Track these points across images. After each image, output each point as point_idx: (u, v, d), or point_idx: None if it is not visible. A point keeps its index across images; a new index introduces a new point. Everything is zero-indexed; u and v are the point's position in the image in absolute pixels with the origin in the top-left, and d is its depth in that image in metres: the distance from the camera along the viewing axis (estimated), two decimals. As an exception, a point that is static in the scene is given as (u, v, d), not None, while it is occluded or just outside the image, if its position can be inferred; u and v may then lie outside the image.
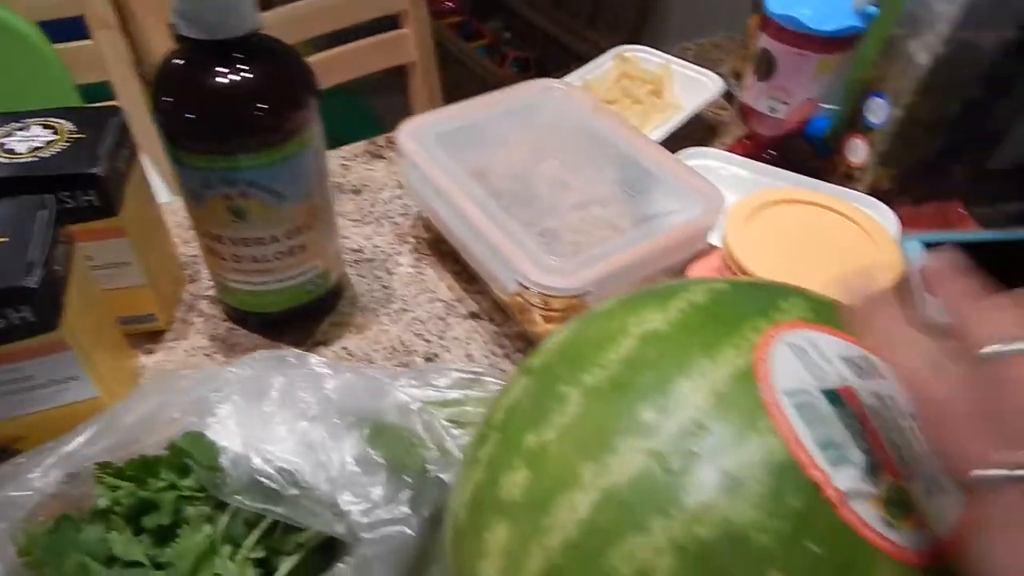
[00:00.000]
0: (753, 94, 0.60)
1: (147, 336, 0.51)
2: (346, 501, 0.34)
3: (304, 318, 0.52)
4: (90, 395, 0.40)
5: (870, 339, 0.22)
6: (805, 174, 0.61)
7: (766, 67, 0.57)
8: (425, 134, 0.54)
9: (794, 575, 0.19)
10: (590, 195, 0.55)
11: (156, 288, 0.49)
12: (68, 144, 0.42)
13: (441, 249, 0.58)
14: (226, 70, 0.39)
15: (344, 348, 0.51)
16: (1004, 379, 0.18)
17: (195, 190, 0.42)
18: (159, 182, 0.54)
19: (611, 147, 0.56)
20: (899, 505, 0.20)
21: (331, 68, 1.01)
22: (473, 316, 0.54)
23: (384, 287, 0.56)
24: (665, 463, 0.21)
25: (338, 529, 0.35)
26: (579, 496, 0.22)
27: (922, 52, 0.52)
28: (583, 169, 0.56)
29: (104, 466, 0.35)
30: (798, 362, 0.23)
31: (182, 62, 0.40)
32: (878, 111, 0.57)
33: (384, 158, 0.68)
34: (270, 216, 0.44)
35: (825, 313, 0.26)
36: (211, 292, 0.53)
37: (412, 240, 0.60)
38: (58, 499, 0.35)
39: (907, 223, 0.60)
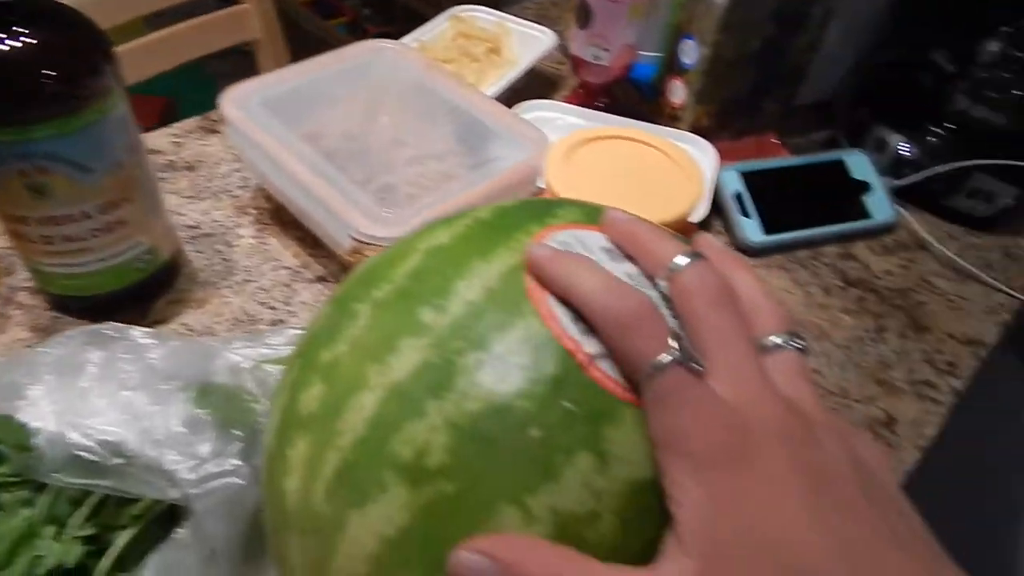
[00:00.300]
0: (577, 44, 0.63)
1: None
2: (172, 461, 0.33)
3: (136, 298, 0.50)
4: None
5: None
6: (635, 118, 0.64)
7: (584, 16, 0.60)
8: (250, 100, 0.53)
9: (551, 430, 0.21)
10: (426, 150, 0.55)
11: (-39, 281, 0.45)
12: None
13: (283, 218, 0.57)
14: (3, 35, 0.37)
15: (184, 324, 0.50)
16: (676, 292, 0.23)
17: (-16, 167, 0.40)
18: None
19: (445, 103, 0.57)
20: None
21: (172, 47, 0.96)
22: (320, 279, 0.54)
23: (225, 260, 0.55)
24: (439, 355, 0.23)
25: (172, 494, 0.34)
26: (366, 396, 0.23)
27: (718, -7, 0.56)
28: (418, 125, 0.57)
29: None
30: None
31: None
32: (690, 52, 0.61)
33: (219, 132, 0.66)
34: (77, 191, 0.42)
35: (595, 216, 0.28)
36: (30, 283, 0.50)
37: (253, 211, 0.59)
38: None
39: (726, 156, 0.65)
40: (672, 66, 0.64)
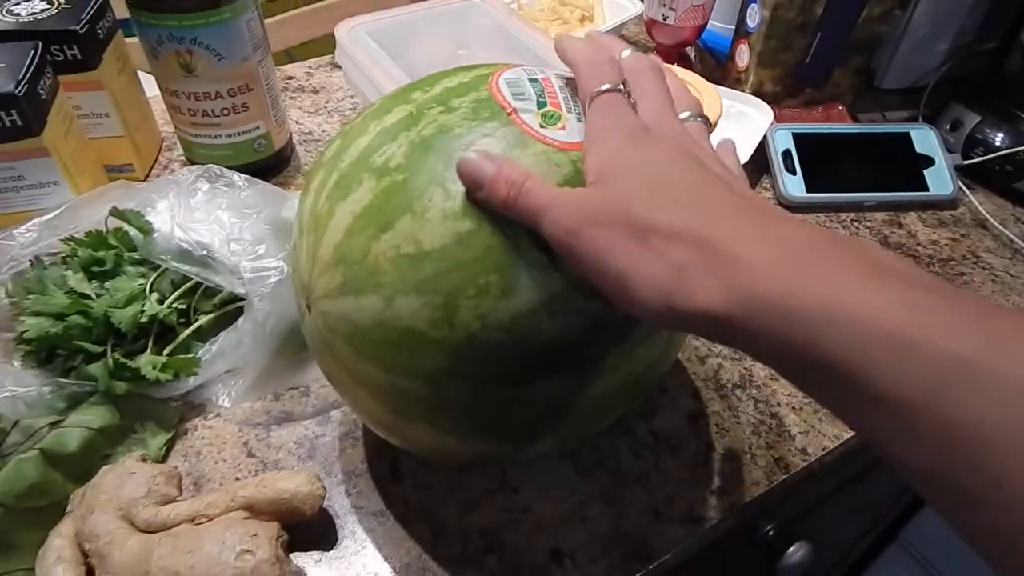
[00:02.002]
0: (648, 4, 0.69)
1: (127, 186, 0.62)
2: (239, 258, 0.44)
3: (252, 174, 0.62)
4: (69, 200, 0.52)
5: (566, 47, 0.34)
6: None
7: (655, -24, 0.66)
8: (359, 29, 0.65)
9: (476, 144, 0.30)
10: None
11: (133, 141, 0.60)
12: (58, 11, 0.54)
13: (377, 132, 0.69)
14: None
15: (283, 200, 0.62)
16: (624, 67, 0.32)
17: (152, 47, 0.53)
18: (147, 79, 0.65)
19: (522, 46, 0.66)
20: (551, 118, 0.32)
21: (316, 19, 1.12)
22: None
23: (325, 159, 0.67)
24: (416, 111, 0.33)
25: (239, 288, 0.46)
26: (363, 138, 0.33)
27: (779, -44, 0.61)
28: (495, 61, 0.66)
29: (69, 238, 0.47)
30: (522, 71, 0.34)
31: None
32: (753, 15, 0.65)
33: (341, 68, 0.79)
34: (214, 73, 0.55)
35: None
36: (183, 156, 0.65)
37: (355, 127, 0.71)
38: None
39: (791, 120, 0.68)
40: (739, 30, 0.69)
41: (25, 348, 0.43)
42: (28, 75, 0.48)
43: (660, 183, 0.26)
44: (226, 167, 0.60)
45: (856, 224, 0.64)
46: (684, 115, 0.31)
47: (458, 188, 0.30)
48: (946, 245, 0.62)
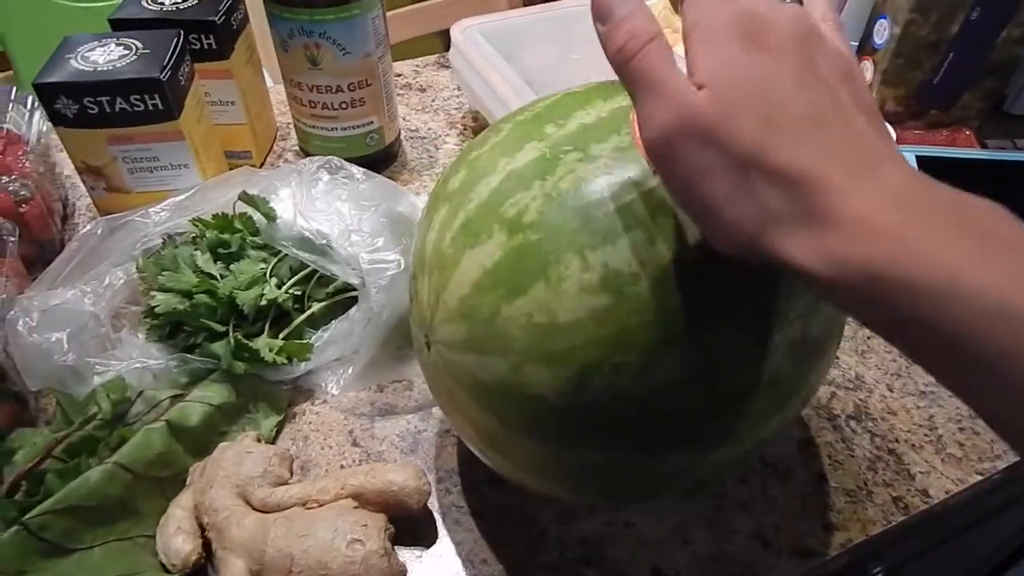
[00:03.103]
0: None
1: (243, 173, 0.65)
2: (357, 249, 0.45)
3: (364, 166, 0.64)
4: (196, 183, 0.54)
5: None
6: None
7: (779, -13, 0.64)
8: (474, 30, 0.65)
9: (619, 209, 0.29)
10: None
11: (253, 130, 0.63)
12: (198, 2, 0.56)
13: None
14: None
15: (390, 194, 0.63)
16: None
17: (283, 39, 0.55)
18: (264, 68, 0.68)
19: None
20: None
21: (427, 17, 1.14)
22: (498, 183, 0.64)
23: (430, 156, 0.68)
24: (551, 152, 0.31)
25: (354, 280, 0.47)
26: (493, 177, 0.32)
27: (917, -30, 0.58)
28: (606, 65, 0.65)
29: (198, 219, 0.49)
30: None
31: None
32: (881, 31, 0.63)
33: (448, 67, 0.80)
34: (337, 67, 0.56)
35: None
36: (296, 147, 0.67)
37: (460, 127, 0.71)
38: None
39: (915, 143, 0.65)
40: (863, 46, 0.66)
41: (151, 322, 0.45)
42: (171, 62, 0.50)
43: (773, 102, 0.24)
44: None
45: (981, 256, 0.60)
46: None
47: (597, 258, 0.28)
48: (1082, 285, 0.58)
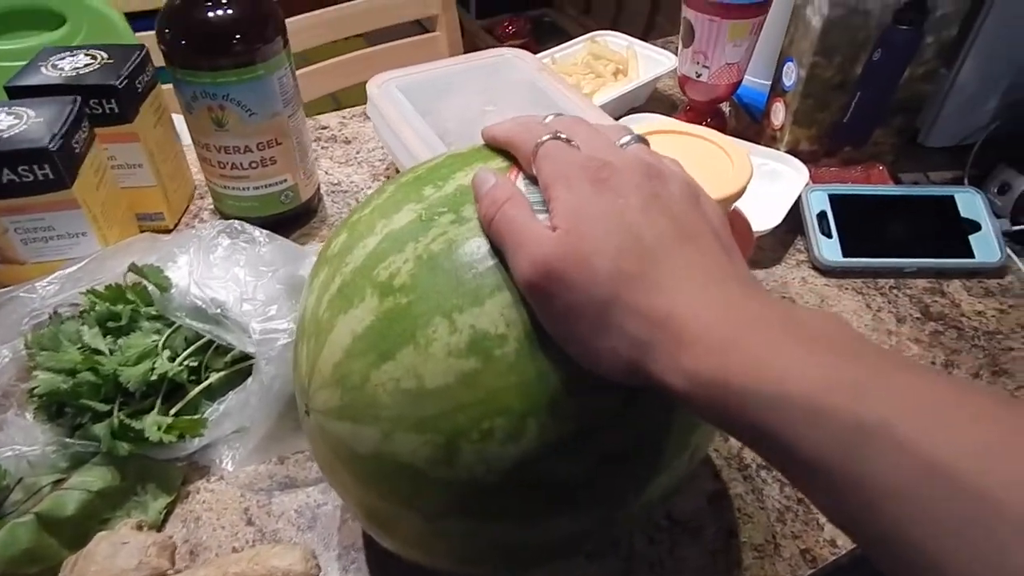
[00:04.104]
0: (682, 62, 0.68)
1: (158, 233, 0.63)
2: (250, 318, 0.44)
3: (278, 225, 0.63)
4: (96, 251, 0.53)
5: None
6: (739, 138, 0.67)
7: (688, 35, 0.65)
8: (391, 84, 0.65)
9: (486, 271, 0.29)
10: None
11: (164, 190, 0.61)
12: (100, 66, 0.56)
13: (404, 185, 0.69)
14: (207, 7, 0.52)
15: (307, 251, 0.62)
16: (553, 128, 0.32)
17: (187, 102, 0.55)
18: (182, 126, 0.67)
19: (551, 103, 0.65)
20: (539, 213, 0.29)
21: (366, 65, 1.14)
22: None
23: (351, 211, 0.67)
24: (427, 214, 0.31)
25: (251, 350, 0.45)
26: (371, 239, 0.31)
27: (815, 16, 0.59)
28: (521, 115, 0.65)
29: (89, 291, 0.47)
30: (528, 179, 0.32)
31: (178, 3, 0.52)
32: (790, 74, 0.64)
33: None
34: (243, 128, 0.56)
35: None
36: (211, 206, 0.66)
37: (383, 178, 0.71)
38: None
39: (830, 180, 0.66)
40: (775, 88, 0.67)
41: (37, 402, 0.43)
42: (64, 130, 0.49)
43: (624, 235, 0.27)
44: (253, 218, 0.61)
45: (895, 291, 0.61)
46: (623, 140, 0.31)
47: (465, 320, 0.28)
48: (992, 316, 0.58)
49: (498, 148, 0.35)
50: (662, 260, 0.26)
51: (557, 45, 0.83)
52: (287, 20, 0.56)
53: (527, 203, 0.29)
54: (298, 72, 1.06)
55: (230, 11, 0.52)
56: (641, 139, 0.32)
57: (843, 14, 0.58)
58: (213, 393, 0.46)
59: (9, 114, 0.50)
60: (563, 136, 0.30)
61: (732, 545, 0.42)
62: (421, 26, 1.24)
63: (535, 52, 0.73)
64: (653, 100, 0.82)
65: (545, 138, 0.30)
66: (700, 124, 0.72)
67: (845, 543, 0.42)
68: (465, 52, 1.24)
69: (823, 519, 0.43)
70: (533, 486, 0.29)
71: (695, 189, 0.30)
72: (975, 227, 0.63)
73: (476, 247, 0.29)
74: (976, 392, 0.22)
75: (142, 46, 0.59)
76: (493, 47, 2.23)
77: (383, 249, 0.31)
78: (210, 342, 0.47)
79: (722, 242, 0.28)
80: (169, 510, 0.42)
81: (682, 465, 0.33)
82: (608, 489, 0.30)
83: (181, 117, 0.58)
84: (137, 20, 0.96)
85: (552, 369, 0.28)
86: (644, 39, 0.84)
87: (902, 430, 0.21)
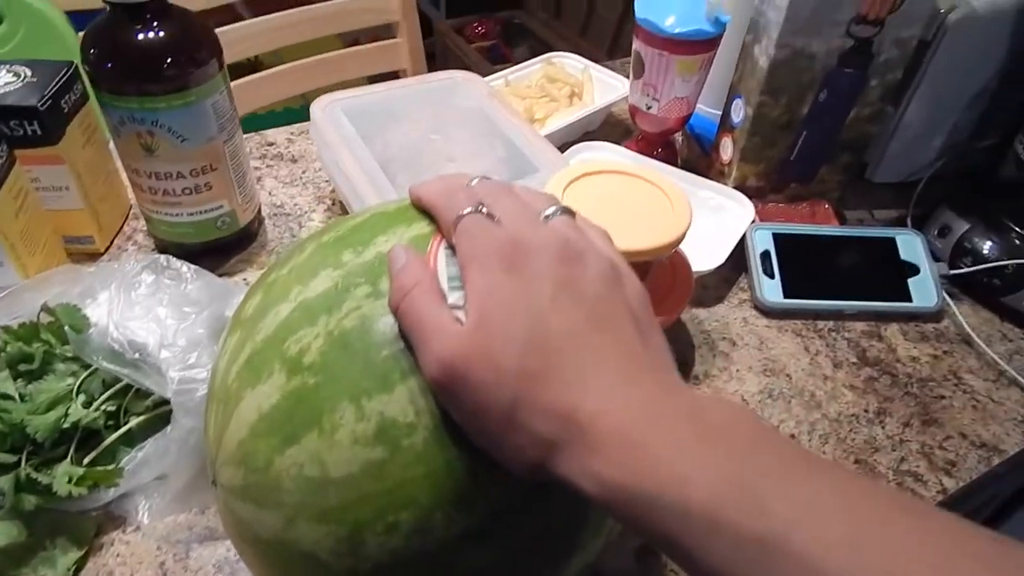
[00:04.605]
0: (633, 91, 0.68)
1: (87, 256, 0.61)
2: (169, 365, 0.42)
3: (216, 251, 0.61)
4: (14, 283, 0.50)
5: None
6: (691, 171, 0.67)
7: (639, 67, 0.65)
8: (335, 106, 0.63)
9: (397, 355, 0.28)
10: (470, 168, 0.63)
11: (94, 213, 0.59)
12: (23, 85, 0.53)
13: (347, 210, 0.67)
14: (136, 29, 0.49)
15: (245, 280, 0.61)
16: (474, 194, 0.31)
17: (115, 125, 0.52)
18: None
19: (498, 131, 0.64)
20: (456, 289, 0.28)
21: (324, 71, 1.12)
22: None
23: (293, 236, 0.65)
24: (344, 283, 0.29)
25: (168, 393, 0.44)
26: (284, 306, 0.30)
27: (762, 56, 0.59)
28: (470, 147, 0.64)
29: (3, 328, 0.45)
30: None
31: (105, 22, 0.50)
32: (738, 110, 0.64)
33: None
34: (176, 154, 0.54)
35: None
36: (146, 228, 0.64)
37: (328, 202, 0.69)
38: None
39: (775, 217, 0.66)
40: (724, 124, 0.67)
41: (-59, 450, 0.41)
42: (-24, 158, 0.47)
43: (532, 326, 0.26)
44: (188, 244, 0.59)
45: (834, 334, 0.61)
46: (547, 212, 0.30)
47: (373, 407, 0.27)
48: (927, 363, 0.59)
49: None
50: (568, 354, 0.26)
51: (526, 47, 0.82)
52: (254, 20, 0.54)
53: (436, 289, 0.28)
54: (266, 72, 1.04)
55: (160, 33, 0.50)
56: (567, 210, 0.31)
57: (789, 55, 0.58)
58: (133, 438, 0.44)
59: (-82, 138, 0.47)
60: (484, 210, 0.29)
61: (656, 603, 0.42)
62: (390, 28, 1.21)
63: (504, 53, 0.73)
64: (607, 126, 0.82)
65: (466, 211, 0.29)
66: (651, 154, 0.72)
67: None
68: (431, 53, 1.23)
69: None
70: (443, 574, 0.28)
71: (616, 269, 0.29)
72: (914, 270, 0.64)
73: (388, 327, 0.28)
74: (876, 495, 0.22)
75: (71, 62, 0.57)
76: (461, 48, 2.20)
77: (295, 320, 0.29)
78: (130, 384, 0.45)
79: (639, 325, 0.28)
80: (80, 565, 0.40)
81: (599, 544, 0.33)
82: (523, 573, 0.30)
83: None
84: (79, 15, 0.92)
85: (462, 459, 0.27)
86: (613, 44, 0.84)
87: (799, 543, 0.21)
